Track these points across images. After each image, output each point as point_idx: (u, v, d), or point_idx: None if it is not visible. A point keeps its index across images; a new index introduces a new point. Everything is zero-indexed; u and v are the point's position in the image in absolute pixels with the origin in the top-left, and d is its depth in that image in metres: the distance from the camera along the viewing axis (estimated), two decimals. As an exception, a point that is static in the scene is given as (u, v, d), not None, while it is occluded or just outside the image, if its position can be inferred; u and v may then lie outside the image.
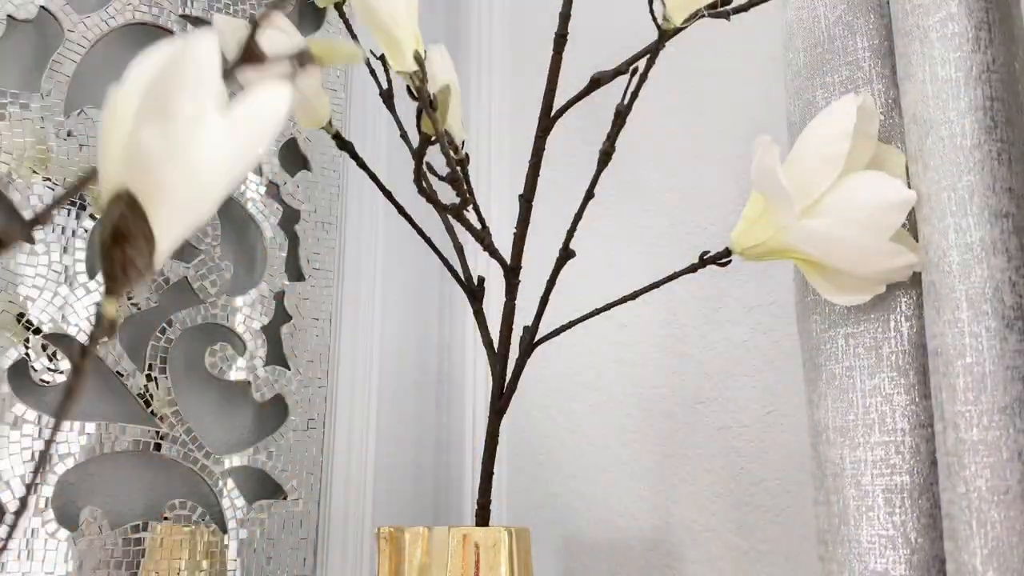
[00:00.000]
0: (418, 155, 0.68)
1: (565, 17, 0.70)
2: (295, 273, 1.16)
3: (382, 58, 0.72)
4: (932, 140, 0.54)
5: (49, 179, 0.99)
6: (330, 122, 0.73)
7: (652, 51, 0.68)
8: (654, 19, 0.66)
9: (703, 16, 0.67)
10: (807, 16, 0.66)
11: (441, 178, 0.71)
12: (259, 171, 1.14)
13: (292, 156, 1.18)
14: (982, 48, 0.54)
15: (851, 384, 0.59)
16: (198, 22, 1.13)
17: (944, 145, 0.53)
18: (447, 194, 0.70)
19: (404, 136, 0.72)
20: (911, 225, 0.60)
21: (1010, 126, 0.54)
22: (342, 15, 0.69)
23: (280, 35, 0.69)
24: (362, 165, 0.75)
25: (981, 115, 0.53)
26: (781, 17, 0.69)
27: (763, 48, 0.93)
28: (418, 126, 0.69)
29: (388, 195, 0.77)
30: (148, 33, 1.10)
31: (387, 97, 0.71)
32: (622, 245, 1.04)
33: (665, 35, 0.66)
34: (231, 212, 1.12)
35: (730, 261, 0.68)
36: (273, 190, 1.15)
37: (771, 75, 0.92)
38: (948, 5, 0.54)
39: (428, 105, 0.66)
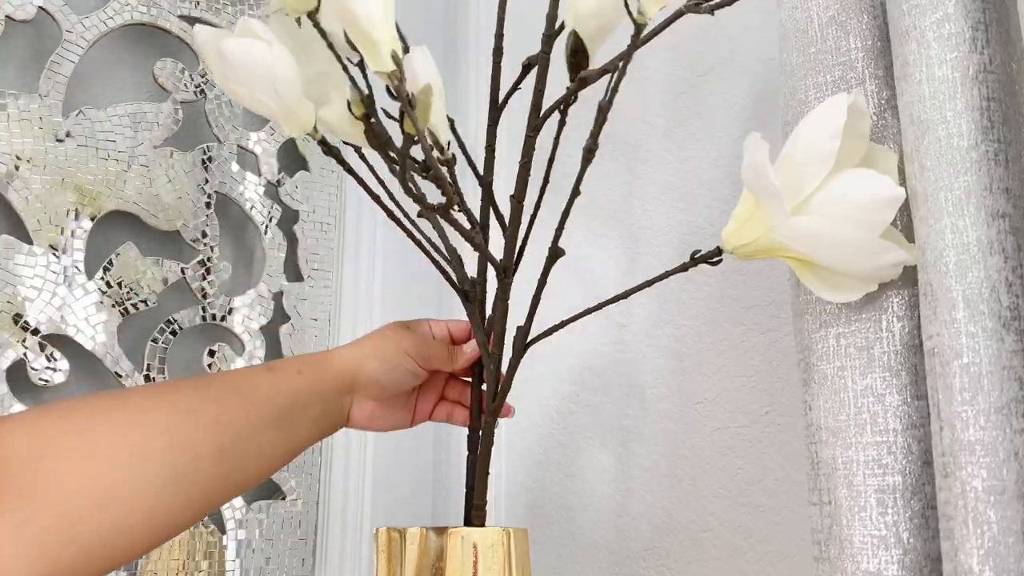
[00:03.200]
0: (401, 155, 0.68)
1: (548, 38, 0.72)
2: (294, 273, 1.16)
3: (360, 64, 0.72)
4: (929, 140, 0.54)
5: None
6: (315, 128, 0.73)
7: (630, 46, 0.68)
8: (629, 12, 0.66)
9: (684, 13, 0.66)
10: (801, 16, 0.66)
11: (425, 177, 0.71)
12: (258, 171, 1.14)
13: (291, 156, 1.18)
14: (979, 49, 0.54)
15: (843, 384, 0.59)
16: (197, 23, 1.13)
17: (941, 145, 0.53)
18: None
19: (388, 140, 0.72)
20: (904, 226, 0.60)
21: (1007, 126, 0.54)
22: (315, 24, 0.69)
23: (259, 43, 0.69)
24: (349, 170, 0.75)
25: (978, 115, 0.53)
26: (776, 16, 0.69)
27: (759, 48, 0.93)
28: (401, 127, 0.69)
29: (375, 199, 0.77)
30: (147, 33, 1.10)
31: (369, 103, 0.71)
32: (617, 245, 1.04)
33: (640, 29, 0.66)
34: (230, 212, 1.12)
35: (721, 260, 0.68)
36: (272, 190, 1.15)
37: (766, 74, 0.92)
38: (945, 5, 0.54)
39: (407, 104, 0.66)
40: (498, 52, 0.77)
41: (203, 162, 1.10)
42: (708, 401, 0.92)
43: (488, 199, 0.77)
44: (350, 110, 0.71)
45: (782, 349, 0.87)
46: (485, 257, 0.74)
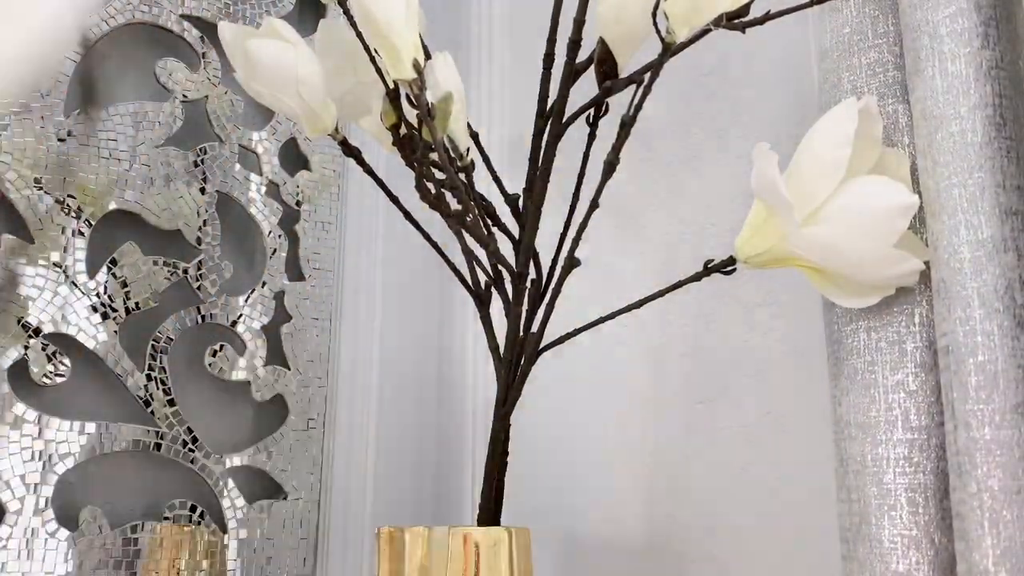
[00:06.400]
0: (418, 163, 0.68)
1: (575, 43, 0.71)
2: (295, 273, 1.15)
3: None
4: (942, 136, 0.54)
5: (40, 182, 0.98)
6: (337, 128, 0.73)
7: (656, 64, 0.67)
8: (657, 32, 0.65)
9: (712, 29, 0.66)
10: None
11: (441, 184, 0.71)
12: (259, 171, 1.14)
13: (292, 156, 1.17)
14: (991, 45, 0.53)
15: (873, 379, 0.59)
16: (198, 22, 1.12)
17: (954, 141, 0.53)
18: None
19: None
20: (920, 223, 0.59)
21: (1017, 124, 0.54)
22: (346, 12, 0.69)
23: (284, 45, 0.68)
24: (369, 172, 0.75)
25: (991, 112, 0.52)
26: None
27: (768, 51, 0.93)
28: (420, 134, 0.68)
29: (395, 201, 0.77)
30: (148, 33, 1.10)
31: (393, 97, 0.71)
32: (624, 249, 1.04)
33: (668, 49, 0.66)
34: (231, 212, 1.12)
35: (735, 269, 0.67)
36: (273, 190, 1.15)
37: (776, 76, 0.92)
38: (958, 0, 0.54)
39: (426, 114, 0.66)
40: (549, 59, 0.75)
41: (204, 161, 1.10)
42: (709, 401, 0.92)
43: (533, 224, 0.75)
44: (381, 119, 0.71)
45: (783, 349, 0.87)
46: (501, 264, 0.74)
